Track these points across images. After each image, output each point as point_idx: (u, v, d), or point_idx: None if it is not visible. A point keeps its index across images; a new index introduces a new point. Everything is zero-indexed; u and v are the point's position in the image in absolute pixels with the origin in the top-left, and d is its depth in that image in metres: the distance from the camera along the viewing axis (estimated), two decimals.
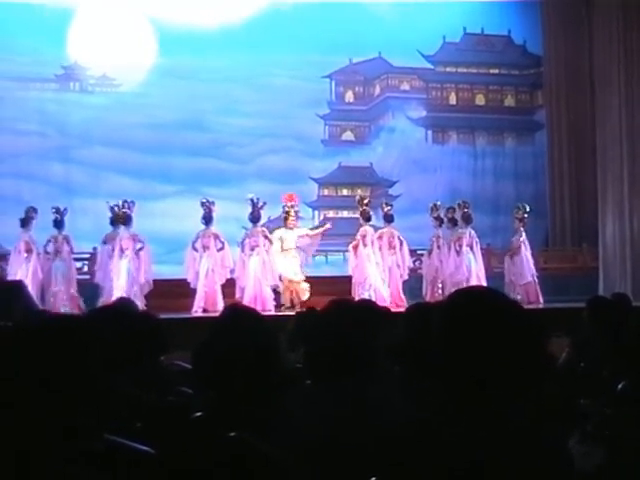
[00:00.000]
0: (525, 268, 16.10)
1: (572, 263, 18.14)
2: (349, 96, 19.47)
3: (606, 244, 17.68)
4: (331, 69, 19.10)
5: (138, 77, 18.07)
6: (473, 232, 16.09)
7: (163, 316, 14.02)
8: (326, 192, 19.07)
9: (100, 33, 17.74)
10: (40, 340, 2.32)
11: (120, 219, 14.88)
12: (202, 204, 15.11)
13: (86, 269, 16.05)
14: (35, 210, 14.95)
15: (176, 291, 15.02)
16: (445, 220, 16.22)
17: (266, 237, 15.10)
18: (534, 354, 2.35)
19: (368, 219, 15.64)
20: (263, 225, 15.37)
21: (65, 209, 15.15)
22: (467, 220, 16.06)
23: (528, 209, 16.46)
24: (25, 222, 14.83)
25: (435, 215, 16.27)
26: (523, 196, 19.45)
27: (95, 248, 15.77)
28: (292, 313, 11.02)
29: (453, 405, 2.33)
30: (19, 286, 12.78)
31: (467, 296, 2.49)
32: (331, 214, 18.91)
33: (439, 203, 16.44)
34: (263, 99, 18.32)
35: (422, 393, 3.46)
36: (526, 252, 16.18)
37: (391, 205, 16.40)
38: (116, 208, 14.96)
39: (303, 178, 18.58)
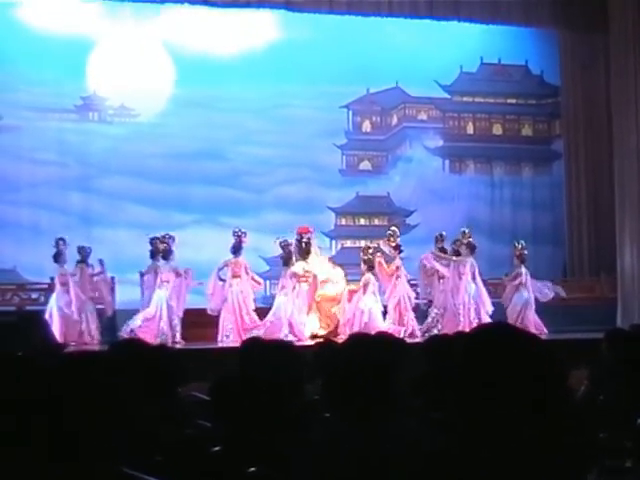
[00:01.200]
0: (507, 303, 16.07)
1: (590, 293, 18.04)
2: (366, 126, 19.51)
3: (624, 274, 17.60)
4: (348, 99, 19.15)
5: (156, 107, 18.16)
6: (474, 262, 15.94)
7: (180, 346, 14.04)
8: (343, 222, 19.08)
9: (118, 64, 17.84)
10: (61, 375, 2.33)
11: (159, 252, 14.90)
12: (234, 233, 15.14)
13: None
14: (64, 242, 14.95)
15: (194, 320, 15.01)
16: (450, 250, 16.10)
17: (296, 277, 15.11)
18: (553, 387, 2.35)
19: (371, 268, 15.55)
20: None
21: (89, 249, 15.19)
22: (472, 249, 15.93)
23: (524, 244, 16.36)
24: (57, 257, 14.87)
25: (440, 246, 16.20)
26: (540, 226, 19.48)
27: (113, 278, 15.79)
28: (311, 343, 11.02)
29: (466, 430, 2.33)
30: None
31: (488, 330, 2.50)
32: (348, 243, 18.92)
33: (444, 234, 16.36)
34: (281, 129, 18.37)
35: (440, 424, 3.45)
36: (514, 287, 16.10)
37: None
38: (157, 241, 14.97)
39: (320, 208, 18.60)
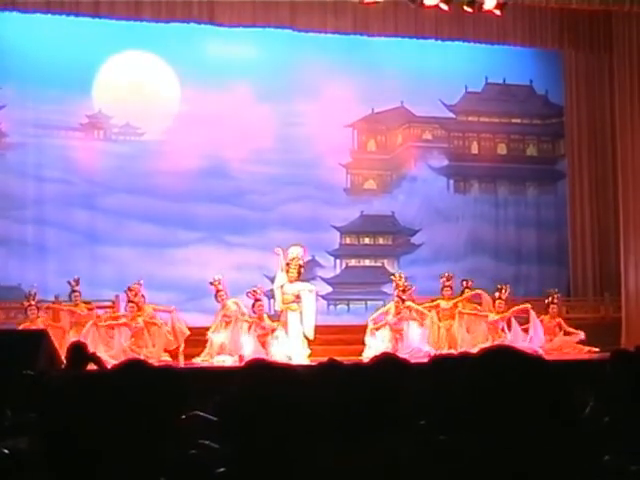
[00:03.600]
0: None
1: (594, 313, 18.05)
2: (371, 145, 19.52)
3: (629, 294, 17.60)
4: (353, 118, 19.16)
5: (161, 125, 18.18)
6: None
7: (186, 364, 14.04)
8: (348, 240, 19.07)
9: (123, 82, 17.90)
10: (67, 394, 2.34)
11: None
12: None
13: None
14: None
15: (199, 339, 15.04)
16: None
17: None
18: (559, 408, 2.35)
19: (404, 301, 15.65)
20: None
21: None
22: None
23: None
24: None
25: (448, 284, 16.19)
26: (545, 245, 19.50)
27: (118, 295, 15.82)
28: (313, 364, 10.98)
29: (476, 452, 2.34)
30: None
31: (494, 353, 2.50)
32: (353, 262, 18.92)
33: (451, 274, 16.36)
34: (286, 148, 18.40)
35: (446, 446, 3.45)
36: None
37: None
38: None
39: (325, 226, 18.61)
